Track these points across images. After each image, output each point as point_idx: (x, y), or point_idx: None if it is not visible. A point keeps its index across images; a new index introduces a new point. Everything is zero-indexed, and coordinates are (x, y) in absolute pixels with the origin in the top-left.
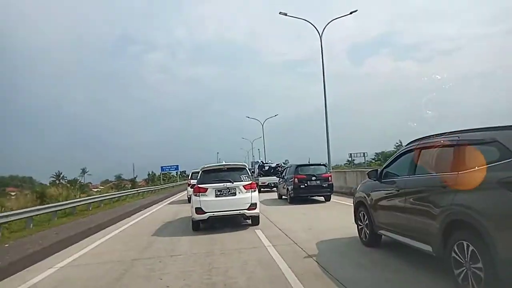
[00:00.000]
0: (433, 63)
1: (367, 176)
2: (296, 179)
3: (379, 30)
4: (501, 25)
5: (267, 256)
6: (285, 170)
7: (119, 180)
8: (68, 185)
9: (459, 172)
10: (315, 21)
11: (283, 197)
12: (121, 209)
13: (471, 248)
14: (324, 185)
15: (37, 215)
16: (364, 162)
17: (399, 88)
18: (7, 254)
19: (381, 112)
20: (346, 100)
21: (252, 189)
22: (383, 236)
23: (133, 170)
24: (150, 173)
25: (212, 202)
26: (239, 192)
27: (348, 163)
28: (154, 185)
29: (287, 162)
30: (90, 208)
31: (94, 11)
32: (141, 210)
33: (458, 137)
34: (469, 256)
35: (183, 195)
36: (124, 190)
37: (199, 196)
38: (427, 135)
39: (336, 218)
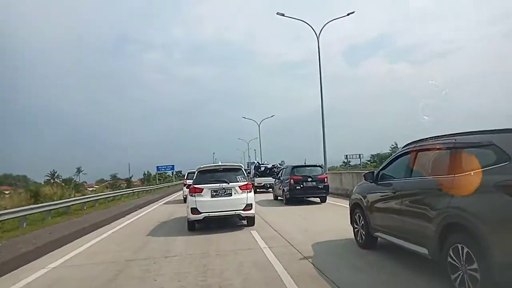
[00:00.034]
0: (429, 65)
1: (363, 178)
2: (292, 180)
3: (376, 32)
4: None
5: (263, 258)
6: (281, 171)
7: (114, 180)
8: (63, 184)
9: (456, 175)
10: (313, 22)
11: (279, 198)
12: (116, 208)
13: (467, 251)
14: (320, 187)
15: (30, 214)
16: (359, 164)
17: (395, 90)
18: None
19: (377, 114)
20: (342, 101)
21: (248, 190)
22: (379, 238)
23: (129, 169)
24: (146, 172)
25: (208, 203)
26: (234, 193)
27: (343, 164)
28: (150, 185)
29: (283, 163)
30: (85, 208)
31: (94, 11)
32: (136, 210)
33: (455, 140)
34: (465, 259)
35: (178, 195)
36: (119, 189)
37: (194, 196)
38: (423, 137)
39: (332, 219)
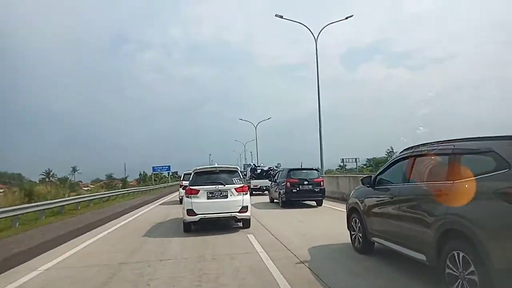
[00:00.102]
0: (426, 70)
1: (360, 182)
2: (288, 183)
3: (375, 36)
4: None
5: (259, 262)
6: (277, 174)
7: (110, 180)
8: (58, 183)
9: (454, 181)
10: (312, 25)
11: (275, 200)
12: (111, 209)
13: (465, 257)
14: (316, 190)
15: (24, 213)
16: (355, 168)
17: (393, 95)
18: None
19: (374, 118)
20: (339, 105)
21: (244, 192)
22: (376, 243)
23: (125, 169)
24: (142, 173)
25: (204, 204)
26: (230, 195)
27: (340, 168)
28: (146, 185)
29: (279, 165)
30: (79, 208)
31: (93, 11)
32: (131, 211)
33: (454, 146)
34: (463, 266)
35: (174, 196)
36: (115, 189)
37: (190, 198)
38: (422, 143)
39: (328, 223)
